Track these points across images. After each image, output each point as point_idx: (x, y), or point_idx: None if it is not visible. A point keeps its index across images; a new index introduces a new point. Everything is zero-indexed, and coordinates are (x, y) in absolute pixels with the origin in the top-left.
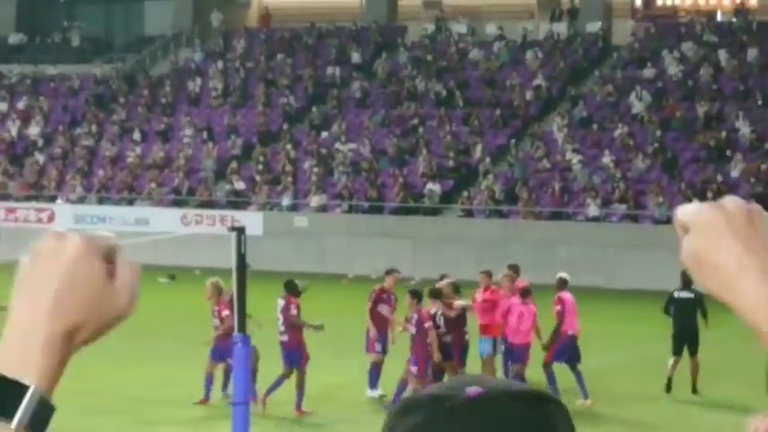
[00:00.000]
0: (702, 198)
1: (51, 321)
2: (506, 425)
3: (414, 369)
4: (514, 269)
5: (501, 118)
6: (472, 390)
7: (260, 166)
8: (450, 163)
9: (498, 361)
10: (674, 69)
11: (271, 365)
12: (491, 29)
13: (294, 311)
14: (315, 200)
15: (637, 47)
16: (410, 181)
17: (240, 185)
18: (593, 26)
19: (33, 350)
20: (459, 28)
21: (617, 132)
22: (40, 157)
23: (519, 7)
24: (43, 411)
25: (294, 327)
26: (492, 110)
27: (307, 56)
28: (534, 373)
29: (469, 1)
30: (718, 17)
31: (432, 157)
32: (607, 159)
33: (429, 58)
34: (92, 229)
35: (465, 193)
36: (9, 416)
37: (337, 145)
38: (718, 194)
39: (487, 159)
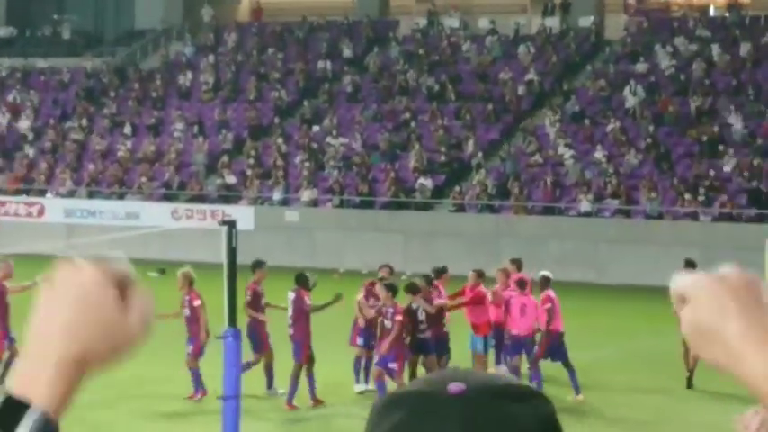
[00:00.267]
0: (695, 193)
1: (63, 347)
2: (488, 422)
3: (393, 365)
4: (517, 263)
5: (493, 112)
6: (454, 386)
7: (251, 161)
8: (442, 158)
9: (490, 356)
10: (666, 64)
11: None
12: (483, 23)
13: (308, 303)
14: (306, 194)
15: (629, 41)
16: (402, 175)
17: (231, 180)
18: (586, 21)
19: (44, 373)
20: (452, 22)
21: (609, 127)
22: (30, 151)
23: (511, 1)
24: (46, 430)
25: (302, 320)
26: (484, 104)
27: (298, 50)
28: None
29: None
30: (711, 12)
31: (423, 152)
32: (599, 154)
33: (421, 52)
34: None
35: (457, 188)
36: None
37: (328, 139)
38: (711, 189)
39: (479, 154)
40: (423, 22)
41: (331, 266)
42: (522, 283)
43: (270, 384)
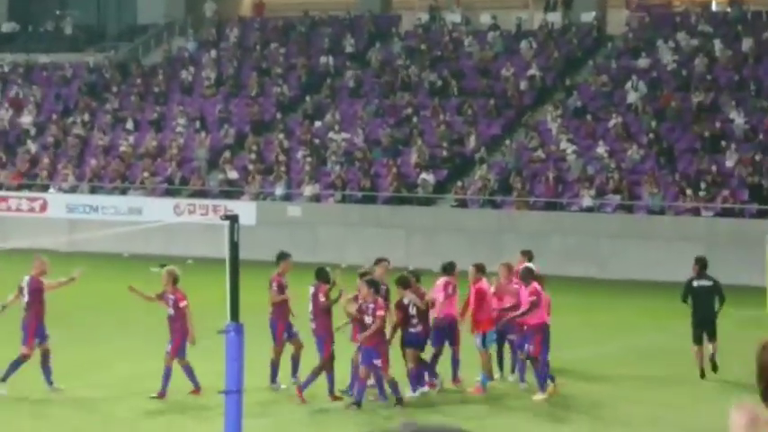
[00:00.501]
0: (697, 188)
1: None
2: None
3: (378, 362)
4: (527, 255)
5: (495, 108)
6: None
7: (253, 156)
8: (444, 153)
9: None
10: (668, 59)
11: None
12: (485, 18)
13: (323, 299)
14: (308, 189)
15: (631, 37)
16: (404, 171)
17: (233, 175)
18: (588, 16)
19: None
20: (454, 17)
21: (611, 122)
22: (33, 146)
23: None
24: None
25: (323, 315)
26: (486, 100)
27: (300, 45)
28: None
29: None
30: (713, 7)
31: (425, 147)
32: (601, 149)
33: (423, 47)
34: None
35: (459, 183)
36: None
37: (331, 134)
38: (713, 185)
39: (482, 149)
40: (425, 17)
41: (333, 262)
42: (537, 277)
43: (294, 372)
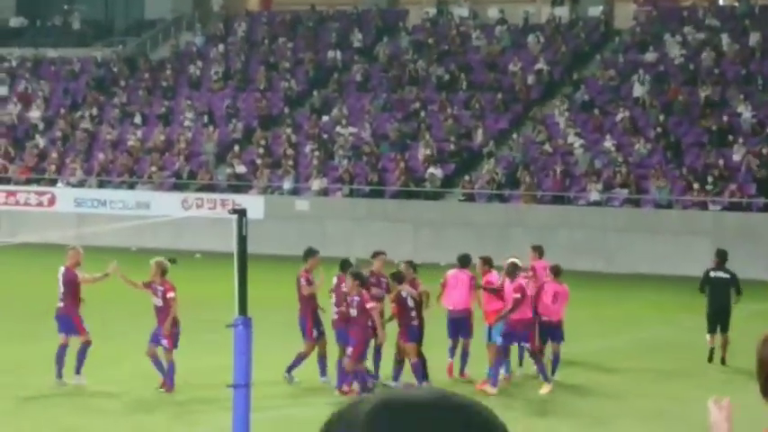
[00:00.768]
0: (704, 182)
1: None
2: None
3: (349, 350)
4: (538, 250)
5: (502, 102)
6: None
7: (261, 150)
8: (452, 147)
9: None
10: (676, 53)
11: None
12: (493, 12)
13: (344, 289)
14: (316, 184)
15: (639, 31)
16: (411, 165)
17: (241, 169)
18: (595, 10)
19: None
20: (461, 11)
21: (619, 116)
22: (41, 141)
23: None
24: None
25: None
26: (494, 94)
27: (308, 40)
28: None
29: None
30: (721, 1)
31: (433, 141)
32: (609, 143)
33: (430, 41)
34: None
35: (466, 177)
36: None
37: (338, 129)
38: (720, 179)
39: (489, 143)
40: (432, 11)
41: (341, 256)
42: (556, 271)
43: (323, 372)
